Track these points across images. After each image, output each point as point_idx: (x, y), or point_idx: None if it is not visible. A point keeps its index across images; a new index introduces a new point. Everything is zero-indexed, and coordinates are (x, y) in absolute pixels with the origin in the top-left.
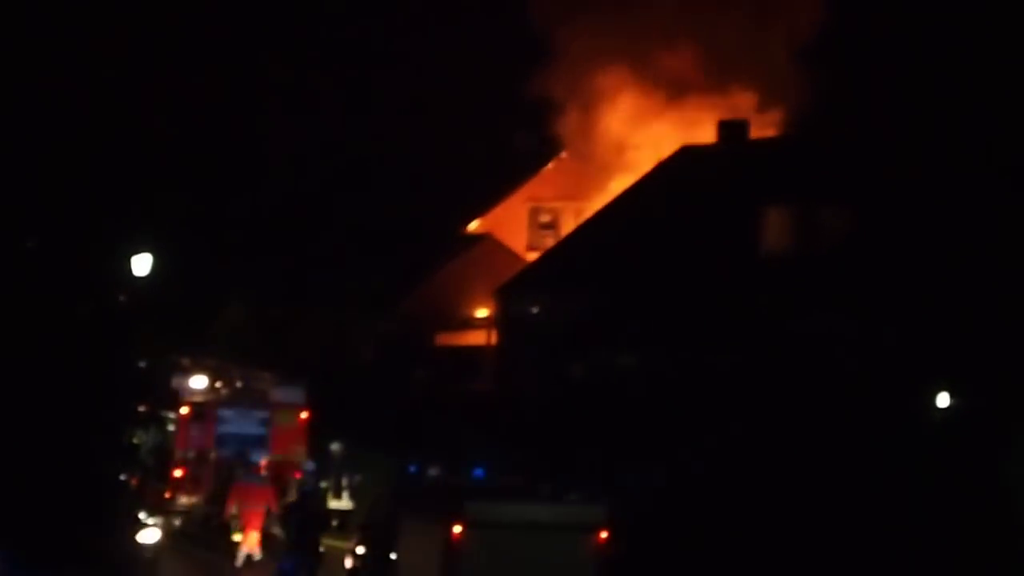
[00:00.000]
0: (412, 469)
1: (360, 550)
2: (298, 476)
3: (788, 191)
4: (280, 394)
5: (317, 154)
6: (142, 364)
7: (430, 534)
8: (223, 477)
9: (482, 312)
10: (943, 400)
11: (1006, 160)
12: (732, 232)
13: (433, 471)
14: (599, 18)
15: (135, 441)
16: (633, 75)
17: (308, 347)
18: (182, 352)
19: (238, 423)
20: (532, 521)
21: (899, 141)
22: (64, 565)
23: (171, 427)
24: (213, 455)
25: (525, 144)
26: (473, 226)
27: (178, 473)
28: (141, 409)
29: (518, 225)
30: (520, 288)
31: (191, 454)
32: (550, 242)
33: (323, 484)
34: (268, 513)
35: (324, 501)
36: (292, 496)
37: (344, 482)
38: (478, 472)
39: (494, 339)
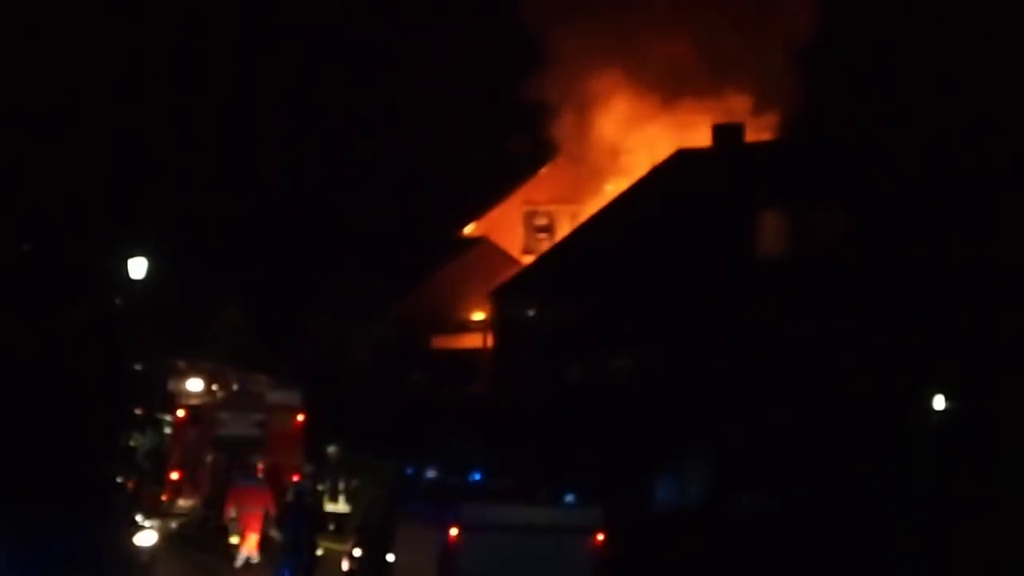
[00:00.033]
0: (409, 472)
1: (357, 553)
2: (296, 478)
3: (784, 194)
4: (276, 397)
5: (314, 157)
6: (138, 367)
7: (427, 537)
8: (220, 480)
9: (478, 315)
10: (939, 403)
11: (1002, 163)
12: (728, 235)
13: (430, 474)
14: (593, 21)
15: (132, 444)
16: (627, 78)
17: (305, 350)
18: (178, 355)
19: (235, 426)
20: (529, 524)
21: (894, 144)
22: (61, 568)
23: (167, 430)
24: (210, 458)
25: (520, 147)
26: (469, 229)
27: (175, 476)
28: (137, 412)
29: (514, 228)
30: (516, 291)
31: (187, 457)
32: (546, 245)
33: (320, 487)
34: (266, 516)
35: (320, 502)
36: (290, 498)
37: (340, 485)
38: (474, 475)
39: (490, 342)
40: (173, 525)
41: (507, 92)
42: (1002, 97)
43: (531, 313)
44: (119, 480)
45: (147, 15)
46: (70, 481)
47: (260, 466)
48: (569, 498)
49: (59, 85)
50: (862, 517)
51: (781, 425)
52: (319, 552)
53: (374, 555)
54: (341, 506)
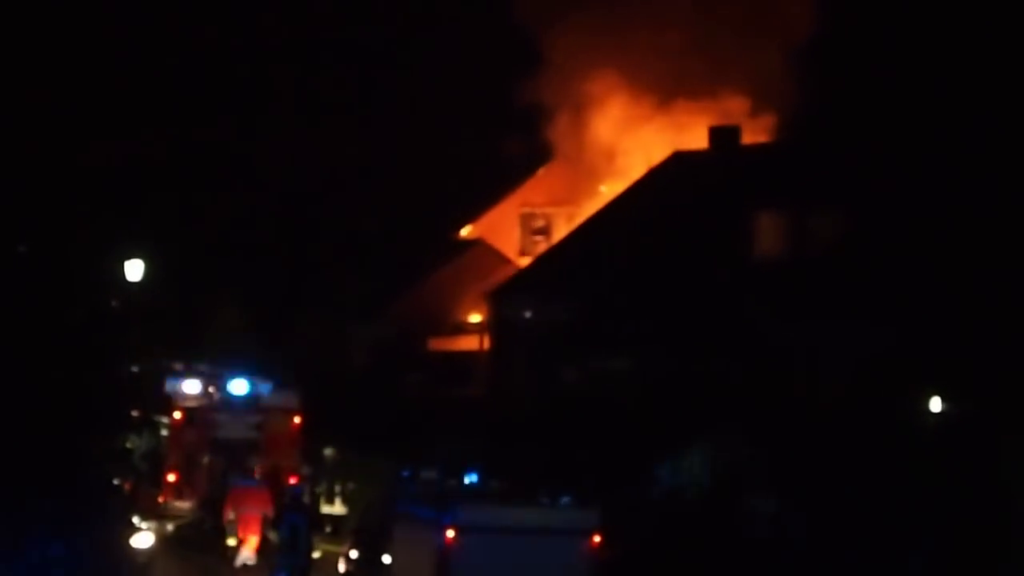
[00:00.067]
0: (405, 474)
1: (353, 554)
2: (293, 480)
3: (780, 196)
4: (273, 399)
5: (310, 158)
6: (135, 369)
7: (423, 538)
8: (217, 482)
9: (475, 317)
10: (936, 405)
11: (998, 165)
12: (724, 237)
13: (426, 475)
14: (589, 22)
15: (128, 446)
16: (623, 79)
17: (301, 352)
18: (175, 357)
19: (231, 428)
20: (525, 525)
21: (891, 146)
22: (58, 569)
23: (164, 432)
24: (206, 460)
25: (517, 149)
26: (465, 231)
27: (171, 478)
28: (134, 414)
29: (510, 230)
30: (512, 293)
31: (184, 459)
32: (542, 247)
33: (317, 489)
34: (265, 518)
35: (317, 503)
36: (286, 500)
37: (337, 487)
38: (471, 476)
39: (487, 344)
40: (170, 527)
41: (503, 94)
42: (1000, 98)
43: (528, 315)
44: (116, 482)
45: (144, 16)
46: (67, 483)
47: (257, 468)
48: (564, 500)
49: (56, 88)
50: (860, 518)
51: (778, 426)
52: (317, 554)
53: (371, 557)
54: (338, 508)
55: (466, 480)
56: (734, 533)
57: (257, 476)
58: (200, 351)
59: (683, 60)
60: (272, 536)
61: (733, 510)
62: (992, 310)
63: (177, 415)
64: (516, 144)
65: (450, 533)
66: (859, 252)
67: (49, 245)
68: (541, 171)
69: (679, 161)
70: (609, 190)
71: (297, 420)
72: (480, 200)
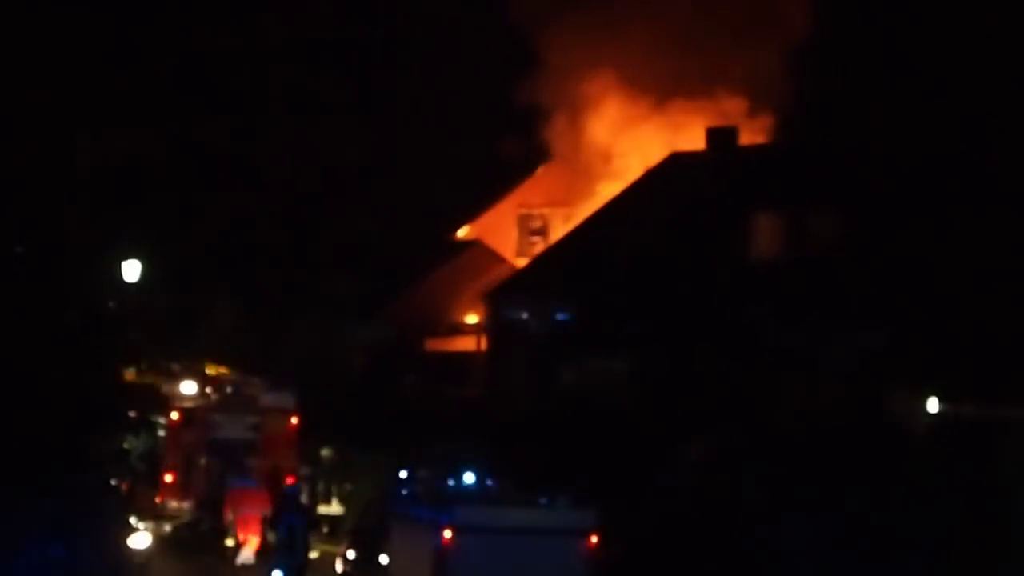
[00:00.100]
0: (402, 474)
1: (351, 555)
2: (290, 480)
3: (778, 197)
4: (270, 399)
5: (307, 159)
6: (132, 370)
7: (420, 539)
8: (214, 482)
9: (472, 318)
10: (933, 405)
11: (995, 166)
12: (722, 238)
13: (423, 476)
14: (586, 22)
15: (126, 446)
16: (620, 80)
17: (298, 353)
18: (172, 358)
19: (229, 428)
20: (522, 526)
21: (888, 147)
22: (56, 570)
23: (161, 432)
24: (203, 460)
25: (514, 150)
26: (462, 232)
27: (168, 478)
28: (131, 414)
29: (507, 231)
30: (510, 294)
31: (181, 459)
32: (539, 248)
33: (316, 489)
34: (264, 518)
35: (315, 504)
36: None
37: (334, 487)
38: (468, 477)
39: (484, 344)
40: (167, 527)
41: (501, 95)
42: (997, 100)
43: (525, 316)
44: (113, 483)
45: (142, 16)
46: (65, 483)
47: (256, 468)
48: (562, 500)
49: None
50: (857, 519)
51: (776, 427)
52: (314, 554)
53: (368, 557)
54: (335, 508)
55: (463, 480)
56: (732, 533)
57: (256, 477)
58: (197, 352)
59: (680, 60)
60: (270, 536)
61: (731, 510)
62: (990, 311)
63: (174, 416)
64: (513, 145)
65: (447, 533)
66: (857, 253)
67: (46, 246)
68: (538, 172)
69: (676, 162)
70: (606, 191)
71: (294, 421)
72: (477, 201)
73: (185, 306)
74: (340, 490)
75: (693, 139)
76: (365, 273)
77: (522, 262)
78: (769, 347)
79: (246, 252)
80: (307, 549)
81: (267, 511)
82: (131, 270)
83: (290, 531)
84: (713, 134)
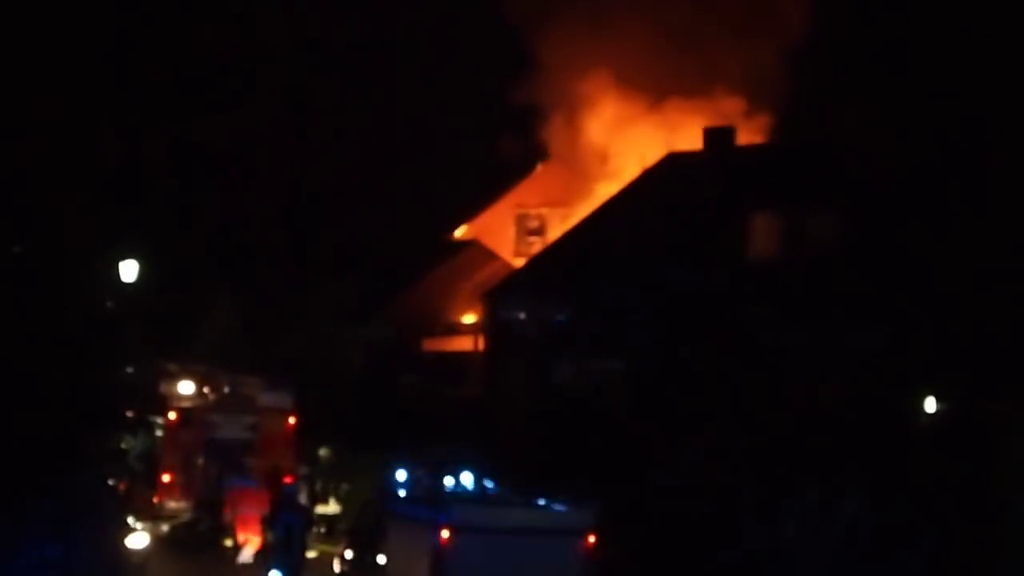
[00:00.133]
0: (400, 474)
1: (349, 554)
2: (288, 480)
3: (775, 197)
4: (268, 399)
5: (305, 160)
6: (130, 370)
7: (418, 539)
8: (212, 482)
9: (469, 318)
10: (931, 405)
11: (993, 166)
12: (719, 238)
13: (421, 476)
14: (581, 22)
15: (123, 446)
16: (617, 79)
17: (296, 352)
18: (170, 358)
19: (226, 428)
20: (520, 525)
21: (886, 147)
22: (53, 570)
23: (159, 432)
24: (201, 460)
25: (511, 150)
26: (460, 232)
27: (166, 478)
28: (129, 414)
29: (505, 231)
30: (507, 293)
31: (179, 459)
32: (537, 248)
33: (315, 488)
34: (264, 518)
35: (314, 503)
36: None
37: (331, 487)
38: (466, 477)
39: (481, 345)
40: (165, 527)
41: (498, 95)
42: (995, 100)
43: (522, 316)
44: (111, 483)
45: (140, 16)
46: (62, 484)
47: (255, 468)
48: (559, 500)
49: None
50: (854, 518)
51: (774, 427)
52: (312, 554)
53: (366, 557)
54: (332, 508)
55: (461, 480)
56: (731, 533)
57: (255, 476)
58: (195, 352)
59: (677, 59)
60: (269, 536)
61: (729, 510)
62: (988, 310)
63: (172, 416)
64: (511, 145)
65: (445, 533)
66: (855, 253)
67: (44, 246)
68: (536, 172)
69: (674, 162)
70: (604, 190)
71: (292, 420)
72: (475, 201)
73: (183, 306)
74: (338, 490)
75: (690, 138)
76: (363, 273)
77: (520, 262)
78: (767, 347)
79: (244, 252)
80: (304, 549)
81: (266, 511)
82: (129, 270)
83: (288, 531)
84: (710, 134)
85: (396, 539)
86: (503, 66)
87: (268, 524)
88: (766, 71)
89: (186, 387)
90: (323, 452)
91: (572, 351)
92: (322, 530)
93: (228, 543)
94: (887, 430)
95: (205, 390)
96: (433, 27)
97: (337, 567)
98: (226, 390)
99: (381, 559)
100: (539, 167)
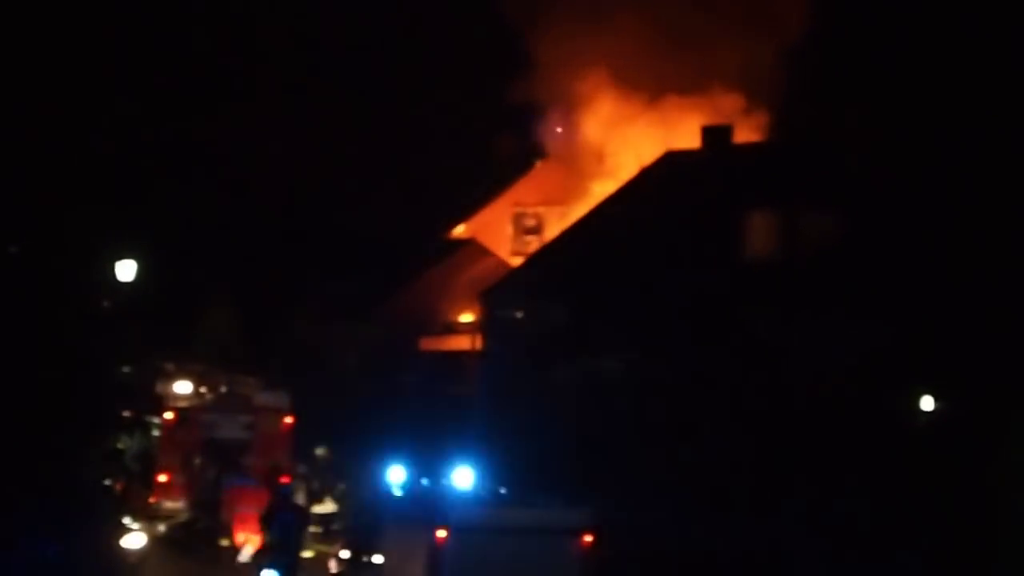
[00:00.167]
0: (396, 473)
1: (345, 554)
2: (286, 480)
3: (773, 196)
4: (265, 399)
5: (301, 158)
6: (126, 369)
7: (414, 539)
8: (209, 482)
9: (466, 317)
10: (928, 403)
11: (990, 166)
12: (716, 237)
13: (417, 475)
14: (577, 19)
15: (120, 446)
16: (614, 77)
17: (293, 352)
18: (167, 357)
19: (223, 428)
20: (516, 525)
21: (884, 146)
22: (49, 570)
23: (156, 432)
24: (198, 460)
25: (509, 149)
26: (457, 231)
27: (163, 478)
28: (126, 414)
29: (502, 230)
30: (505, 292)
31: (176, 459)
32: (534, 246)
33: (312, 488)
34: (262, 518)
35: (311, 503)
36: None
37: (328, 487)
38: (462, 476)
39: (479, 343)
40: (162, 527)
41: (496, 93)
42: (992, 99)
43: (520, 315)
44: (108, 483)
45: (137, 17)
46: (58, 484)
47: (254, 467)
48: (556, 499)
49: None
50: (851, 517)
51: (771, 426)
52: (309, 554)
53: (362, 557)
54: (329, 508)
55: (457, 480)
56: (728, 531)
57: (253, 476)
58: (192, 351)
59: (675, 56)
60: (268, 536)
61: (727, 509)
62: (985, 309)
63: (169, 415)
64: (508, 143)
65: (441, 533)
66: (852, 251)
67: (41, 246)
68: (533, 170)
69: (671, 160)
70: (601, 189)
71: (288, 420)
72: (472, 200)
73: (180, 305)
74: (334, 489)
75: (688, 136)
76: (360, 272)
77: (517, 261)
78: (764, 345)
79: (241, 251)
80: (299, 548)
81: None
82: (126, 270)
83: (283, 530)
84: (708, 132)
85: (393, 539)
86: (501, 64)
87: (265, 524)
88: (764, 69)
89: (183, 387)
90: (320, 451)
91: (569, 350)
92: (319, 530)
93: (224, 543)
94: (885, 429)
95: (202, 390)
96: (431, 26)
97: (333, 567)
98: (223, 390)
99: (378, 559)
100: (536, 166)
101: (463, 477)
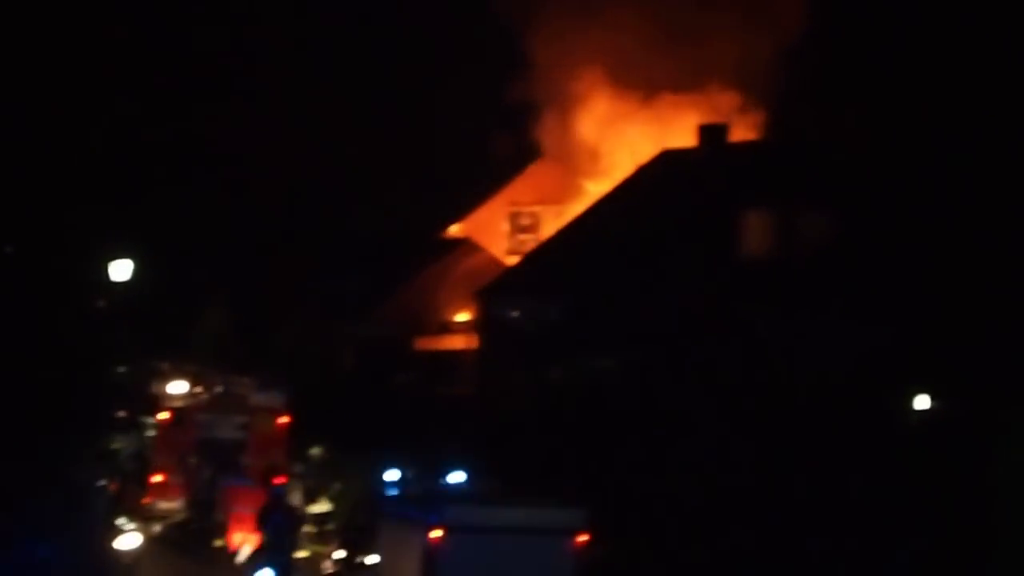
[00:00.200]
0: (392, 473)
1: (340, 554)
2: (284, 480)
3: (768, 195)
4: (260, 399)
5: (298, 158)
6: (122, 369)
7: (409, 539)
8: (204, 482)
9: (462, 316)
10: (924, 402)
11: (986, 165)
12: (712, 236)
13: (413, 475)
14: (576, 19)
15: (115, 446)
16: (609, 75)
17: (289, 352)
18: (162, 357)
19: (218, 428)
20: (511, 525)
21: (880, 145)
22: (44, 570)
23: (151, 432)
24: (193, 460)
25: (504, 148)
26: (453, 230)
27: (158, 478)
28: (121, 414)
29: (498, 229)
30: (500, 292)
31: (171, 459)
32: (530, 246)
33: (307, 487)
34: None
35: (307, 503)
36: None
37: (323, 487)
38: (458, 476)
39: (474, 343)
40: (156, 528)
41: (492, 93)
42: (988, 99)
43: (515, 314)
44: (102, 483)
45: (134, 17)
46: (53, 484)
47: (250, 467)
48: (552, 499)
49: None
50: (845, 516)
51: (767, 424)
52: (304, 554)
53: (357, 557)
54: (324, 508)
55: (453, 479)
56: (723, 531)
57: (249, 476)
58: (187, 351)
59: (671, 54)
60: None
61: (722, 508)
62: (981, 308)
63: (164, 415)
64: (504, 143)
65: (437, 533)
66: (848, 250)
67: (36, 246)
68: (529, 169)
69: (667, 159)
70: (597, 188)
71: (284, 420)
72: (468, 199)
73: (175, 305)
74: (329, 489)
75: (684, 135)
76: (356, 271)
77: (513, 260)
78: (760, 343)
79: (237, 251)
80: (293, 549)
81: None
82: (122, 269)
83: (277, 530)
84: (704, 130)
85: (388, 539)
86: (497, 64)
87: (261, 524)
88: (761, 66)
89: (178, 387)
90: (315, 451)
91: (565, 349)
92: (313, 530)
93: (219, 543)
94: (880, 427)
95: (197, 390)
96: (427, 27)
97: (329, 567)
98: (218, 390)
99: (373, 559)
100: (532, 165)
101: (458, 477)
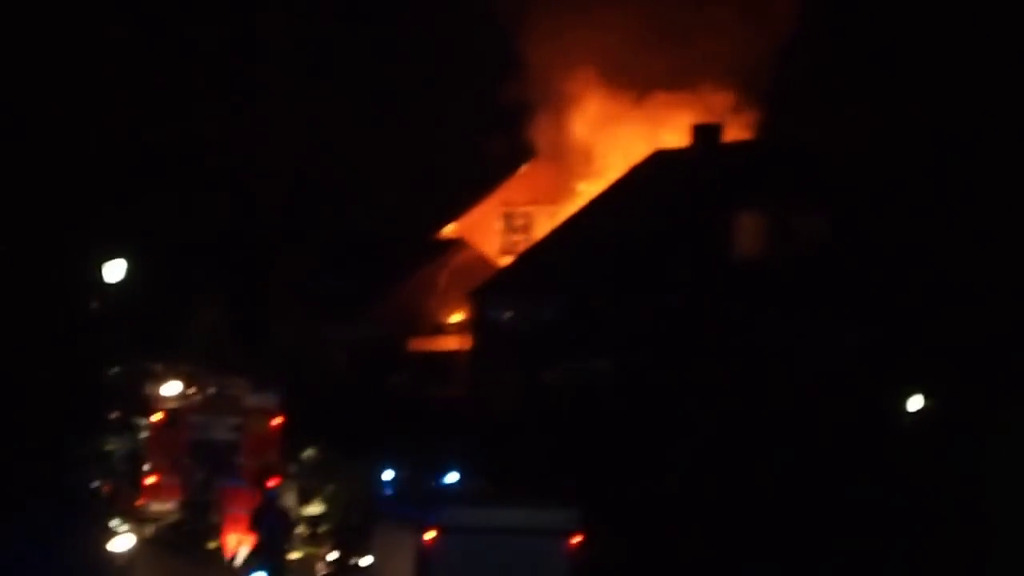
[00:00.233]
0: (386, 474)
1: (333, 556)
2: (278, 481)
3: (762, 195)
4: (254, 400)
5: (290, 158)
6: (115, 370)
7: (403, 540)
8: (198, 484)
9: (456, 317)
10: (916, 403)
11: (981, 166)
12: (706, 236)
13: (407, 476)
14: (568, 18)
15: (108, 448)
16: (603, 75)
17: (282, 352)
18: (155, 358)
19: (212, 429)
20: (505, 526)
21: (874, 145)
22: (38, 572)
23: (144, 433)
24: (187, 462)
25: (498, 148)
26: (446, 231)
27: (151, 480)
28: (114, 415)
29: (491, 229)
30: (494, 292)
31: (164, 461)
32: (523, 246)
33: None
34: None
35: (300, 504)
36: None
37: (317, 488)
38: (452, 477)
39: (468, 344)
40: (150, 529)
41: (485, 92)
42: (982, 99)
43: (509, 315)
44: (95, 484)
45: (132, 17)
46: (46, 486)
47: (245, 468)
48: (546, 500)
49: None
50: (839, 517)
51: (760, 425)
52: (297, 555)
53: (351, 558)
54: (317, 509)
55: (447, 480)
56: (717, 531)
57: (244, 477)
58: (181, 352)
59: (664, 53)
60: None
61: (716, 509)
62: (976, 308)
63: (157, 417)
64: (497, 143)
65: (431, 533)
66: (842, 251)
67: (29, 246)
68: (522, 170)
69: (661, 159)
70: (590, 188)
71: (277, 421)
72: (461, 199)
73: (169, 306)
74: (323, 490)
75: (678, 134)
76: (348, 272)
77: (506, 260)
78: (753, 344)
79: (229, 251)
80: (285, 551)
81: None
82: (114, 270)
83: (270, 532)
84: (698, 130)
85: (382, 540)
86: (491, 64)
87: (255, 525)
88: (755, 66)
89: (172, 388)
90: (308, 452)
91: (559, 350)
92: (307, 531)
93: (213, 545)
94: (874, 427)
95: (191, 391)
96: (419, 26)
97: (322, 569)
98: (212, 391)
99: (366, 560)
100: (525, 165)
101: (452, 478)
